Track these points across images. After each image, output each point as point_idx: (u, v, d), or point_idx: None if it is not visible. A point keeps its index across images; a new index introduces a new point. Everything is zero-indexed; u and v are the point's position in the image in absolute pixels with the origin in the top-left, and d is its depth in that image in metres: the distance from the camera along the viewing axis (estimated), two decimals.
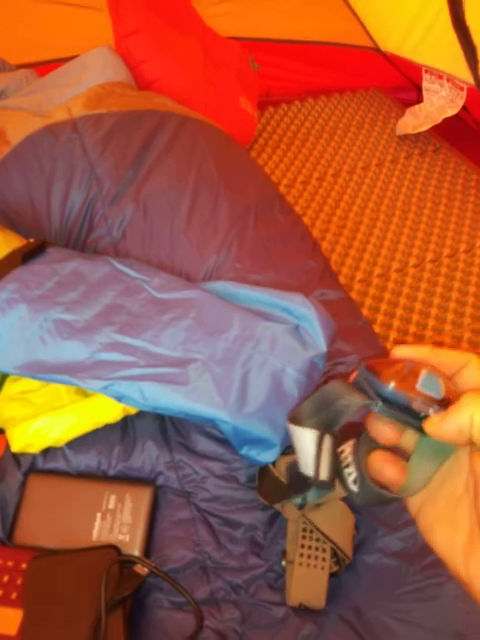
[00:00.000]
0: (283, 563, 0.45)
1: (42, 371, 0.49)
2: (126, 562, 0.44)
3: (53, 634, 0.39)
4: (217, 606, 0.45)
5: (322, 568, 0.42)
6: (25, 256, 0.58)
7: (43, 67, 1.00)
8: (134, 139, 0.75)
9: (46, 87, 0.91)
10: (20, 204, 0.69)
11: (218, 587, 0.46)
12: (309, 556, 0.42)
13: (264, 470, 0.47)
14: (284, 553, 0.46)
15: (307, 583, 0.42)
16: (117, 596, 0.41)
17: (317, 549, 0.42)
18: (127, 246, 0.67)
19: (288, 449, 0.47)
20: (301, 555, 0.42)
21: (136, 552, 0.46)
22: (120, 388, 0.48)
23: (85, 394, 0.53)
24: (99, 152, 0.72)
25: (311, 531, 0.43)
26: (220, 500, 0.50)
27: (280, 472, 0.46)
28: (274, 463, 0.46)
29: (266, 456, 0.47)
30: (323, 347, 0.52)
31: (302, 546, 0.42)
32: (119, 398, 0.49)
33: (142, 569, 0.44)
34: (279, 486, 0.45)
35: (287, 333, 0.52)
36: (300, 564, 0.42)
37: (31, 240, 0.61)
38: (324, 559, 0.42)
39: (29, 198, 0.69)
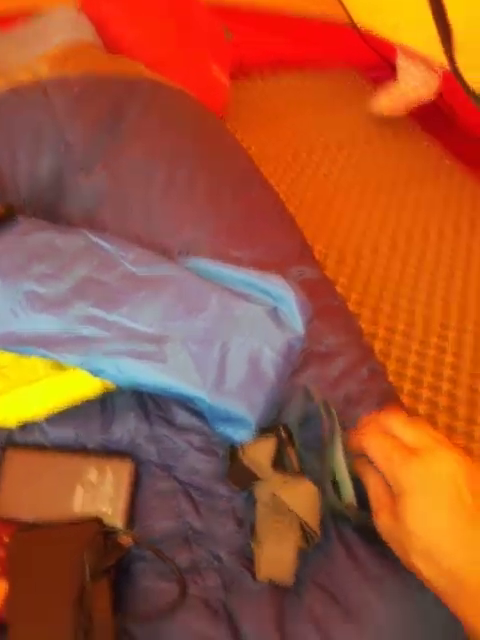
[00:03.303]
0: (251, 544, 0.45)
1: (17, 343, 0.48)
2: (110, 533, 0.44)
3: (39, 604, 0.39)
4: (199, 573, 0.46)
5: (290, 546, 0.42)
6: None
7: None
8: (105, 105, 0.72)
9: (7, 45, 0.85)
10: None
11: (200, 556, 0.47)
12: (278, 533, 0.42)
13: (234, 456, 0.46)
14: (253, 529, 0.46)
15: (276, 560, 0.42)
16: (101, 566, 0.42)
17: (285, 526, 0.42)
18: (101, 217, 0.65)
19: (263, 432, 0.48)
20: (270, 532, 0.42)
21: (118, 524, 0.47)
22: (97, 363, 0.48)
23: (61, 368, 0.52)
24: (69, 117, 0.69)
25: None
26: (200, 473, 0.51)
27: (249, 459, 0.45)
28: (243, 449, 0.46)
29: (242, 434, 0.47)
30: (301, 330, 0.53)
31: (272, 522, 0.43)
32: (96, 373, 0.48)
33: (126, 540, 0.44)
34: (247, 474, 0.45)
35: (265, 314, 0.53)
36: (269, 541, 0.42)
37: None
38: (292, 537, 0.42)
39: None
